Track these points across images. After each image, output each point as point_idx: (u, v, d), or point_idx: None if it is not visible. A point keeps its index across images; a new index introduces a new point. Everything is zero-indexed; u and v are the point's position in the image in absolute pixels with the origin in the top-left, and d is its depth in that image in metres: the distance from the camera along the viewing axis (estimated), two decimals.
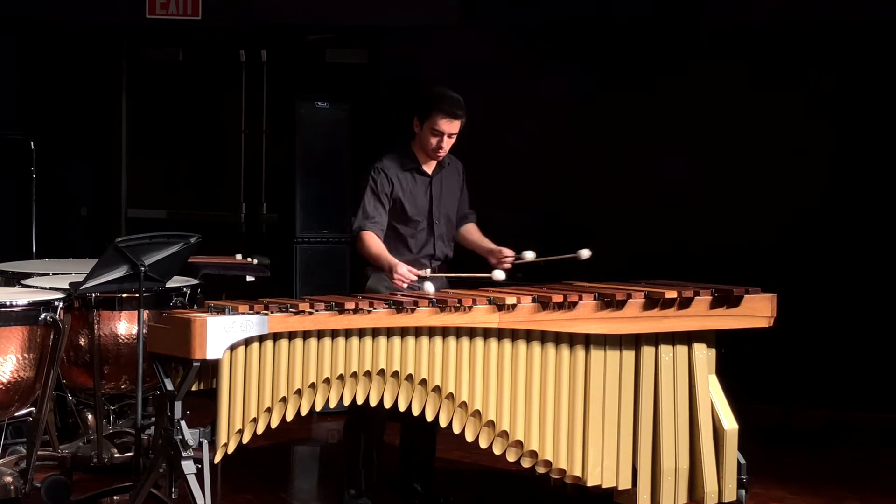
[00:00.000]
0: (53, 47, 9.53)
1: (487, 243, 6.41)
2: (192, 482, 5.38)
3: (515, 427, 5.86)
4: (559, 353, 5.93)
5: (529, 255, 6.24)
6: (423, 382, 5.69)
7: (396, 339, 5.64)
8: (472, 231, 6.50)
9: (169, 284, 6.18)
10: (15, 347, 5.79)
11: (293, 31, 9.36)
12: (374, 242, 6.07)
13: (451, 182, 6.37)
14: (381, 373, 5.62)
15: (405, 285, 5.95)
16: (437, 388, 5.71)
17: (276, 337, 5.43)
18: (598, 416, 5.99)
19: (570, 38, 8.84)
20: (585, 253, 6.17)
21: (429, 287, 5.78)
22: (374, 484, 6.23)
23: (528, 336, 5.87)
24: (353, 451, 6.21)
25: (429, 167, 6.28)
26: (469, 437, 5.83)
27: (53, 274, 6.75)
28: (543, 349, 5.91)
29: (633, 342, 6.05)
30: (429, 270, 6.05)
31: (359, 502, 6.19)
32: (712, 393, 6.17)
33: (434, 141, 6.13)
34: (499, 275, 5.99)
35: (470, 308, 5.71)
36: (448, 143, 6.16)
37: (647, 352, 6.07)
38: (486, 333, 5.79)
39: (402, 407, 5.68)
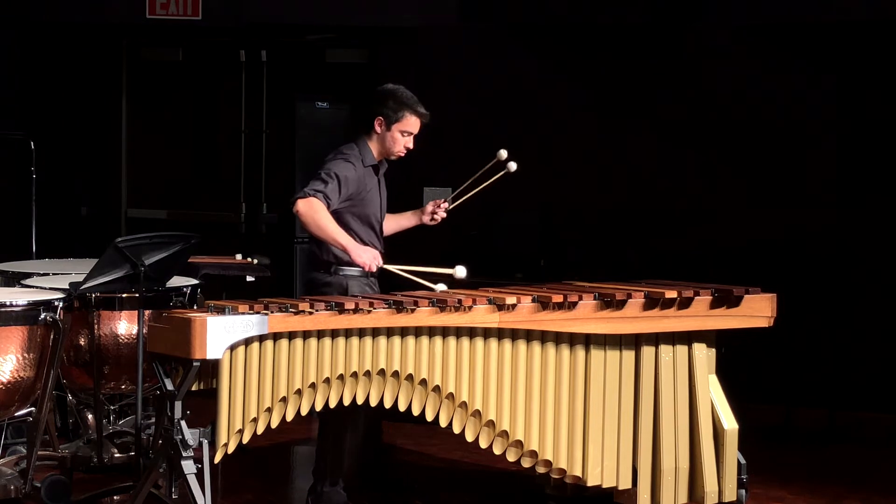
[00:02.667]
0: (53, 47, 9.53)
1: (407, 213, 6.32)
2: (192, 482, 5.38)
3: (515, 427, 5.86)
4: (559, 353, 5.93)
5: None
6: (423, 382, 5.69)
7: (396, 339, 5.64)
8: (388, 217, 6.32)
9: (169, 284, 6.18)
10: (15, 347, 5.80)
11: (293, 31, 9.36)
12: (329, 216, 5.87)
13: (385, 182, 6.25)
14: (381, 373, 5.62)
15: (375, 269, 5.91)
16: (437, 388, 5.71)
17: (276, 337, 5.43)
18: (598, 416, 5.99)
19: (570, 39, 8.84)
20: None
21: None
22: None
23: (528, 336, 5.87)
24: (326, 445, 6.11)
25: (380, 166, 6.17)
26: (469, 437, 5.83)
27: (53, 274, 6.74)
28: (543, 349, 5.91)
29: (633, 342, 6.05)
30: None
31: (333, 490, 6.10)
32: (712, 393, 6.17)
33: (403, 141, 6.06)
34: (461, 272, 5.94)
35: (470, 308, 5.71)
36: (412, 144, 6.10)
37: (647, 352, 6.07)
38: (486, 333, 5.79)
39: (402, 407, 5.68)
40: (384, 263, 5.98)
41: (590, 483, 6.01)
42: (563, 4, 8.78)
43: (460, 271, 5.96)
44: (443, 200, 6.24)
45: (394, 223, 6.35)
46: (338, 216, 5.97)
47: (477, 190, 6.19)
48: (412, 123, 6.04)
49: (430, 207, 6.27)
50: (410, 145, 6.09)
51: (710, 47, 8.61)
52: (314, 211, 5.83)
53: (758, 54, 8.52)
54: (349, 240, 5.90)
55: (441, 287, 5.89)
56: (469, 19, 8.97)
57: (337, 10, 9.05)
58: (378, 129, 6.07)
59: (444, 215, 6.24)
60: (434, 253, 6.69)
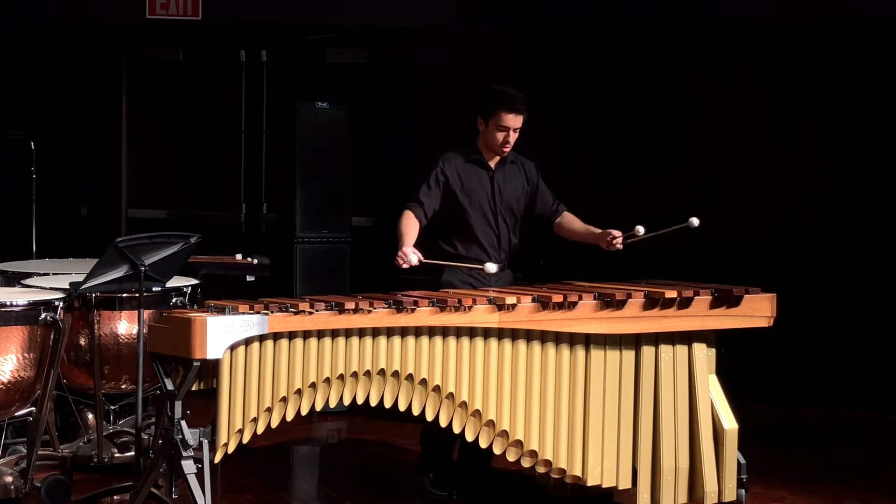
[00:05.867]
0: (53, 47, 9.53)
1: (593, 229, 6.53)
2: (192, 482, 5.38)
3: (515, 427, 5.86)
4: (559, 353, 5.93)
5: (640, 230, 6.31)
6: (424, 382, 5.69)
7: (396, 339, 5.64)
8: (571, 220, 6.63)
9: (169, 284, 6.18)
10: (15, 347, 5.80)
11: (293, 31, 9.37)
12: (407, 222, 6.26)
13: (515, 178, 6.52)
14: (381, 372, 5.62)
15: (405, 265, 6.08)
16: (437, 388, 5.71)
17: (276, 337, 5.43)
18: (598, 416, 6.00)
19: (570, 39, 8.84)
20: (695, 221, 6.28)
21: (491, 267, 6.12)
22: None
23: (528, 336, 5.87)
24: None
25: (492, 162, 6.45)
26: (469, 437, 5.83)
27: (53, 274, 6.75)
28: (543, 349, 5.91)
29: (633, 342, 6.05)
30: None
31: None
32: (712, 393, 6.18)
33: (500, 136, 6.35)
34: (490, 267, 6.13)
35: (470, 308, 5.71)
36: (513, 138, 6.38)
37: (647, 352, 6.07)
38: (486, 333, 5.80)
39: (402, 407, 5.68)
40: (425, 258, 6.18)
41: (590, 483, 6.01)
42: (563, 5, 8.78)
43: (490, 267, 6.15)
44: (620, 237, 6.37)
45: (580, 235, 6.56)
46: (454, 208, 6.36)
47: (650, 236, 6.33)
48: (504, 118, 6.33)
49: (608, 238, 6.40)
50: (510, 139, 6.38)
51: (710, 46, 8.61)
52: (400, 221, 6.25)
53: (757, 53, 8.52)
54: (401, 241, 6.18)
55: (492, 267, 6.12)
56: (469, 19, 8.97)
57: (337, 10, 9.06)
58: (480, 127, 6.42)
59: (620, 247, 6.41)
60: None
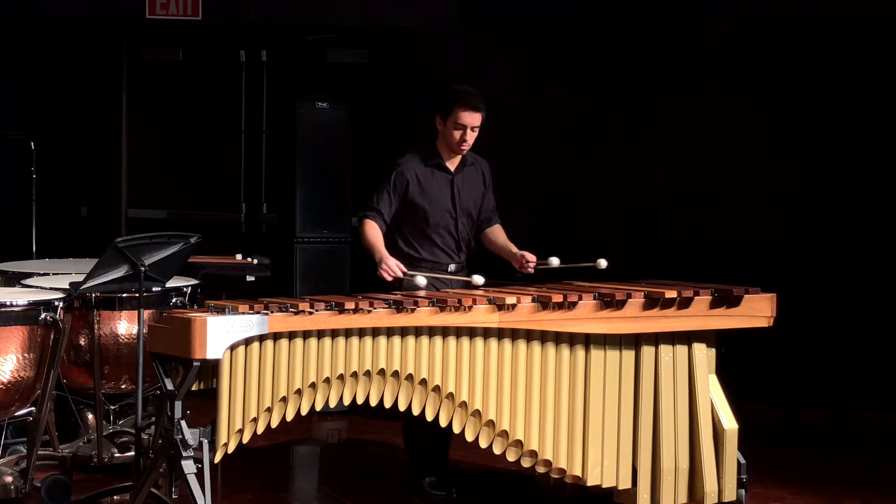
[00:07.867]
0: (53, 47, 9.53)
1: (511, 248, 6.53)
2: (192, 482, 5.38)
3: (515, 427, 5.86)
4: (559, 353, 5.93)
5: (554, 262, 6.34)
6: (423, 382, 5.69)
7: (396, 339, 5.65)
8: (497, 234, 6.63)
9: (169, 284, 6.18)
10: (15, 347, 5.80)
11: (293, 31, 9.37)
12: (372, 232, 6.26)
13: (473, 181, 6.51)
14: (381, 372, 5.62)
15: (390, 278, 6.12)
16: (437, 388, 5.71)
17: (276, 337, 5.43)
18: (598, 416, 6.00)
19: (570, 39, 8.84)
20: (603, 263, 6.30)
21: (420, 281, 6.02)
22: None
23: (528, 336, 5.88)
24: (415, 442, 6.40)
25: (451, 164, 6.43)
26: (469, 437, 5.83)
27: (53, 274, 6.75)
28: (543, 349, 5.91)
29: (633, 342, 6.06)
30: (421, 278, 6.09)
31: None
32: (712, 393, 6.18)
33: (458, 135, 6.31)
34: (478, 280, 6.12)
35: (470, 308, 5.71)
36: (471, 137, 6.33)
37: (647, 352, 6.07)
38: (486, 333, 5.80)
39: (402, 407, 5.69)
40: (410, 270, 6.19)
41: (590, 483, 6.02)
42: (563, 5, 8.78)
43: (477, 279, 6.12)
44: (533, 262, 6.39)
45: (498, 248, 6.57)
46: (413, 212, 6.33)
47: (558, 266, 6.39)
48: (462, 116, 6.29)
49: (522, 259, 6.42)
50: (468, 138, 6.33)
51: (709, 46, 8.61)
52: (362, 232, 6.30)
53: (755, 53, 8.52)
54: (378, 253, 6.22)
55: (479, 280, 6.10)
56: (469, 20, 8.97)
57: (337, 10, 9.06)
58: (439, 126, 6.38)
59: (532, 271, 6.43)
60: None
